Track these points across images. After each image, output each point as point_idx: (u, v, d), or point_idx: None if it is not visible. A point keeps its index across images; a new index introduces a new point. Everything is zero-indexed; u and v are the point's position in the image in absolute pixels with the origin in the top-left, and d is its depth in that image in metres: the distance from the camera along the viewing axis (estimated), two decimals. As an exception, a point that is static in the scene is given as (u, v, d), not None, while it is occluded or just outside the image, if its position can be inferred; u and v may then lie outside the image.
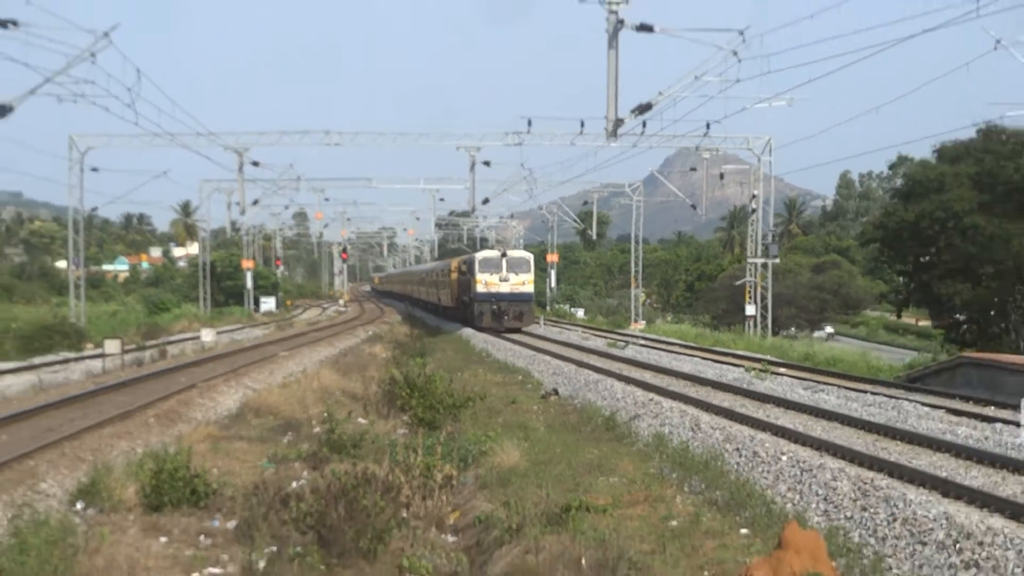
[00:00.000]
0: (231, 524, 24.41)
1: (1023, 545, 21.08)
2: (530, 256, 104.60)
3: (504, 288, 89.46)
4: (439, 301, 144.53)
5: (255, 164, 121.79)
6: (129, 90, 66.91)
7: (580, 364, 66.07)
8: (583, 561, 19.99)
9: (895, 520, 24.01)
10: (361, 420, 38.41)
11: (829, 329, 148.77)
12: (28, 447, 34.46)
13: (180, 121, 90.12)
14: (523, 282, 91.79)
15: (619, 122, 55.46)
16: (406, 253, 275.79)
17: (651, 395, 47.90)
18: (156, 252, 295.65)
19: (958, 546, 21.64)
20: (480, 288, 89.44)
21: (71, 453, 33.88)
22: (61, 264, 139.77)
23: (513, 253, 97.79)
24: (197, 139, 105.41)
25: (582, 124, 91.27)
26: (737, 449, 33.69)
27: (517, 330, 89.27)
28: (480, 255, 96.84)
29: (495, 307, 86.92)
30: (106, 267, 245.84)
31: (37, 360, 71.91)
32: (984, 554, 20.79)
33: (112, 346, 71.09)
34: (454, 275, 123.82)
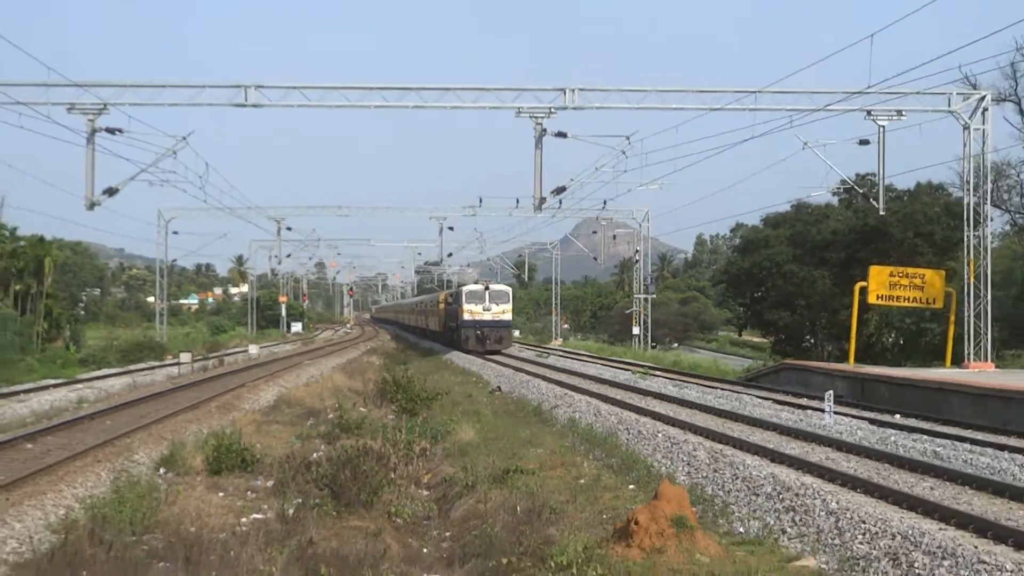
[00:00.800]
0: (269, 483, 24.30)
1: (827, 496, 21.10)
2: (509, 289, 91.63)
3: (487, 316, 78.96)
4: (427, 326, 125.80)
5: (288, 229, 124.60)
6: (200, 177, 67.42)
7: (516, 369, 65.68)
8: (518, 508, 19.90)
9: (737, 478, 24.06)
10: (362, 409, 38.22)
11: (675, 344, 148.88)
12: (126, 428, 34.29)
13: (235, 198, 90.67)
14: (503, 311, 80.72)
15: (543, 200, 55.76)
16: (395, 291, 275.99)
17: (566, 391, 47.85)
18: (218, 290, 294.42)
19: (781, 496, 21.67)
20: (466, 316, 78.41)
21: (156, 433, 33.73)
22: (150, 299, 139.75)
23: (495, 286, 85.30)
24: (248, 211, 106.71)
25: (517, 201, 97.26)
26: (627, 429, 33.66)
27: (497, 352, 78.21)
28: (467, 288, 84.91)
29: (479, 332, 76.23)
30: (182, 301, 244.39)
31: (132, 367, 71.50)
32: (799, 502, 20.83)
33: (185, 357, 70.73)
34: (442, 305, 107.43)
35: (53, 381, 56.28)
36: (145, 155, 54.71)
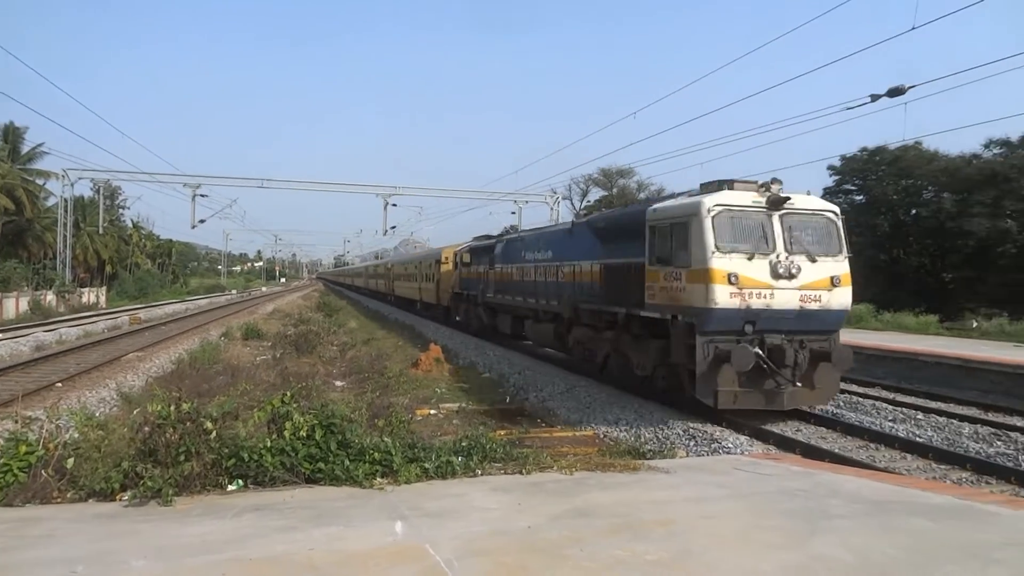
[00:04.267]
0: (269, 343, 23.09)
1: (494, 351, 21.21)
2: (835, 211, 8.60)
3: (793, 303, 7.03)
4: (389, 291, 47.95)
5: (280, 239, 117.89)
6: (241, 217, 63.66)
7: (376, 300, 63.46)
8: (373, 354, 19.54)
9: (460, 343, 23.71)
10: (309, 314, 36.70)
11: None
12: (207, 320, 32.31)
13: (256, 225, 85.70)
14: (835, 279, 7.56)
15: (386, 231, 54.07)
16: (326, 266, 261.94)
17: (393, 309, 46.73)
18: (247, 264, 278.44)
19: (477, 349, 21.53)
20: (727, 300, 6.69)
21: (219, 322, 31.67)
22: (219, 267, 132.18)
23: (803, 201, 7.64)
24: (263, 231, 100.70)
25: (376, 231, 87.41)
26: (419, 324, 32.74)
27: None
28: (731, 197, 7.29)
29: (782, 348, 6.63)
30: (232, 268, 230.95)
31: (210, 295, 67.10)
32: (483, 352, 20.74)
33: (234, 291, 66.74)
34: (447, 266, 28.69)
35: (175, 300, 52.82)
36: (217, 205, 51.21)
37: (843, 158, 41.05)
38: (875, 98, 17.32)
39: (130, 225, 72.69)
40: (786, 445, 9.71)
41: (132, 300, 52.37)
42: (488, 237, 23.74)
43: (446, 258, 28.67)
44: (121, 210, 72.46)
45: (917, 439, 10.28)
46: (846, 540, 4.77)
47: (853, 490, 6.19)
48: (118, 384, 14.58)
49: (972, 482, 8.38)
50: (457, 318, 26.96)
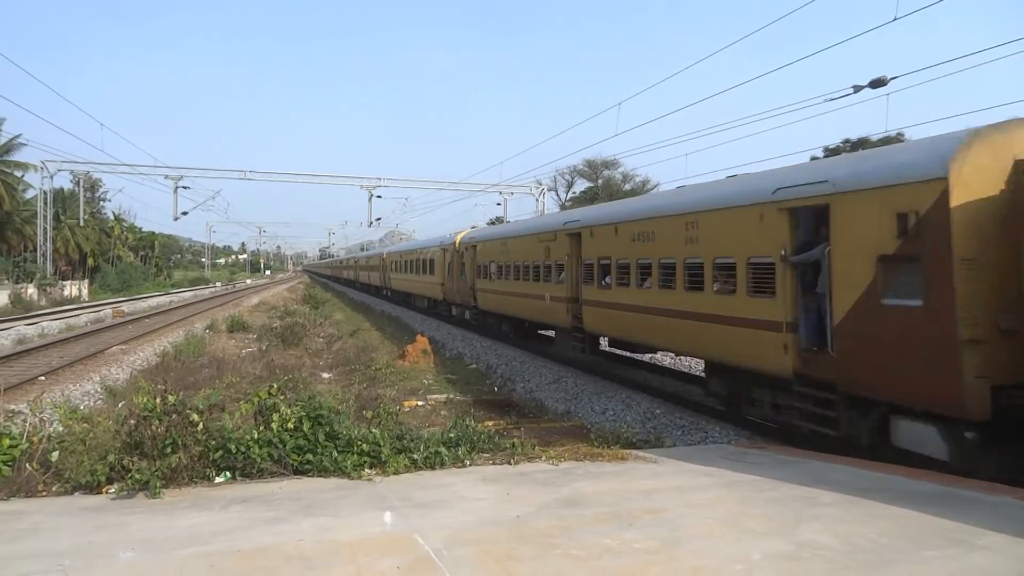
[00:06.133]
0: (254, 336, 22.91)
1: (480, 341, 21.16)
2: None
3: None
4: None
5: (264, 231, 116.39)
6: (224, 209, 62.95)
7: (362, 292, 62.98)
8: (359, 346, 19.48)
9: (447, 334, 23.71)
10: (295, 306, 36.42)
11: None
12: (191, 313, 32.08)
13: (240, 216, 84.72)
14: None
15: (371, 222, 53.83)
16: (312, 258, 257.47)
17: (378, 302, 46.53)
18: (232, 256, 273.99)
19: (464, 340, 21.56)
20: None
21: (204, 315, 31.44)
22: (203, 259, 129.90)
23: None
24: (248, 224, 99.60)
25: (360, 223, 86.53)
26: (405, 316, 32.83)
27: None
28: None
29: None
30: (216, 260, 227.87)
31: (194, 287, 66.45)
32: (470, 344, 20.75)
33: (219, 283, 66.10)
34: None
35: (158, 293, 52.49)
36: (200, 197, 50.73)
37: (826, 149, 41.35)
38: (857, 89, 17.44)
39: (111, 217, 72.16)
40: (772, 434, 9.83)
41: (115, 293, 52.03)
42: None
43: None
44: (102, 202, 71.75)
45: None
46: (832, 527, 4.82)
47: (838, 478, 6.26)
48: (102, 377, 14.47)
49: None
50: None
